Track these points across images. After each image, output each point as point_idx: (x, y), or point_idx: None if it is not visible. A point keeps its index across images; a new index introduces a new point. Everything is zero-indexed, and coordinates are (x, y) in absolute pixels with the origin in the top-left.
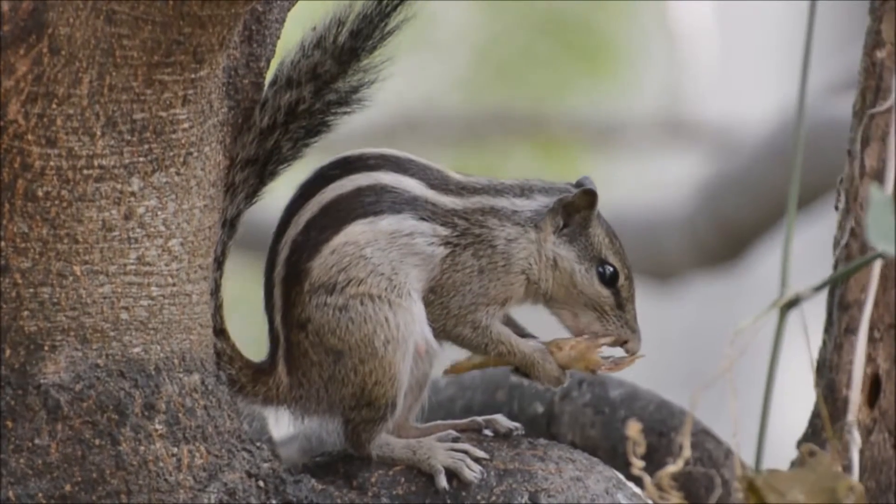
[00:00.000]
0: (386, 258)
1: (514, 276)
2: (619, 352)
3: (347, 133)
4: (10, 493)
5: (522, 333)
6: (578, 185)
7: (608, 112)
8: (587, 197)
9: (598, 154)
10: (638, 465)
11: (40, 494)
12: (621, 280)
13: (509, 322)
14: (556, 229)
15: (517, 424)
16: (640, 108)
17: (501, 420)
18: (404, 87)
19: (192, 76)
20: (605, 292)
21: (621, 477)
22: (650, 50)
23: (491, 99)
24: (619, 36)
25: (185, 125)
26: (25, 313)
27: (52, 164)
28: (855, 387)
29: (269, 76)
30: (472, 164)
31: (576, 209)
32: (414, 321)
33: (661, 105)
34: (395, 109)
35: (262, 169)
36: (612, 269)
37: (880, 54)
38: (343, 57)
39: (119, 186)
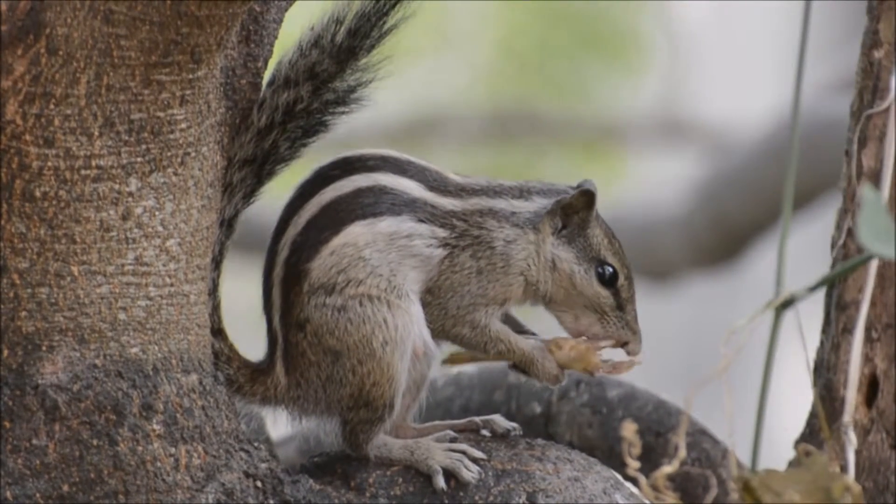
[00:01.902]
0: (385, 259)
1: (512, 277)
2: (619, 353)
3: (366, 131)
4: (8, 494)
5: (521, 330)
6: (579, 187)
7: (605, 111)
8: (585, 198)
9: (593, 153)
10: (633, 465)
11: (38, 495)
12: (621, 280)
13: (508, 319)
14: (555, 231)
15: (515, 424)
16: (637, 107)
17: (499, 420)
18: (424, 84)
19: (190, 76)
20: (605, 293)
21: (619, 477)
22: (648, 49)
23: (513, 94)
24: (610, 32)
25: (183, 125)
26: (23, 314)
27: (49, 164)
28: (851, 387)
29: (266, 76)
30: (481, 164)
31: (574, 210)
32: (412, 322)
33: (658, 104)
34: (415, 107)
35: (260, 169)
36: (611, 269)
37: (878, 54)
38: (341, 56)
39: (117, 187)
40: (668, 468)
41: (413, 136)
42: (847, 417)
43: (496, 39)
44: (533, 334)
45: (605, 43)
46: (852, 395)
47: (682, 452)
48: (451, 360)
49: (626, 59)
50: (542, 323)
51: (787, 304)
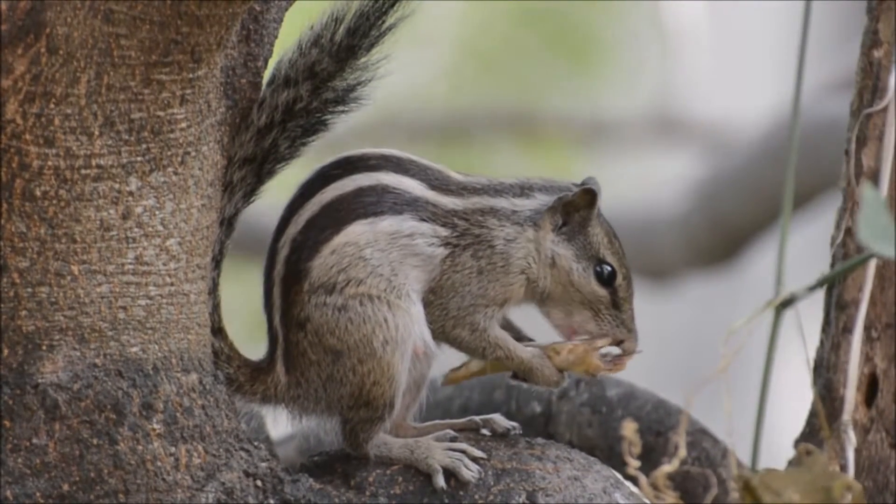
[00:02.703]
0: (386, 259)
1: (513, 276)
2: (616, 351)
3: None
4: (8, 493)
5: (520, 337)
6: (582, 185)
7: (600, 109)
8: (587, 196)
9: (590, 152)
10: (634, 464)
11: (38, 494)
12: (619, 280)
13: (508, 326)
14: (555, 228)
15: (515, 424)
16: (633, 106)
17: (499, 419)
18: (387, 80)
19: (190, 76)
20: (602, 291)
21: (619, 476)
22: (643, 48)
23: (475, 92)
24: (605, 29)
25: (183, 125)
26: (23, 313)
27: (49, 163)
28: (851, 386)
29: (266, 75)
30: (456, 160)
31: (575, 208)
32: (413, 322)
33: (654, 103)
34: (377, 103)
35: (260, 168)
36: (609, 268)
37: (877, 54)
38: (341, 55)
39: (117, 186)
40: (668, 467)
41: (377, 134)
42: (847, 417)
43: (461, 38)
44: (531, 340)
45: (574, 44)
46: (852, 394)
47: (682, 452)
48: (450, 379)
49: (596, 59)
50: (541, 328)
51: (787, 303)
